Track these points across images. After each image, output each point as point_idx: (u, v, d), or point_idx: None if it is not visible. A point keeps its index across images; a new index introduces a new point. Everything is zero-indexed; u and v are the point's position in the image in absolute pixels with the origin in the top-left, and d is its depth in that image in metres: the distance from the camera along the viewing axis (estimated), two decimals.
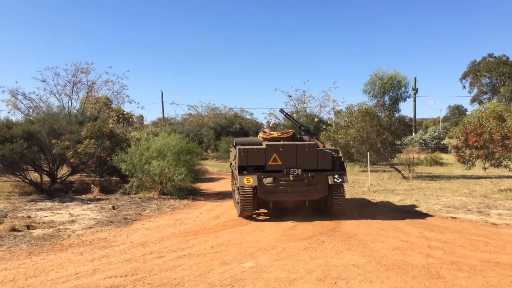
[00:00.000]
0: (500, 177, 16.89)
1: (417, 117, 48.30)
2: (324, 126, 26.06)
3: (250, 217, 9.27)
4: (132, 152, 13.10)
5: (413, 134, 42.86)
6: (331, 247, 6.53)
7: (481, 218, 8.90)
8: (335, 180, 8.99)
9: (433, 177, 17.50)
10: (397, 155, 19.72)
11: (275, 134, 10.21)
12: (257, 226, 8.40)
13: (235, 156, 9.57)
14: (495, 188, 13.36)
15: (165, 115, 48.40)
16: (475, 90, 71.43)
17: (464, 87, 73.23)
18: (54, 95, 25.38)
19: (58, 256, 6.31)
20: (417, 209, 10.16)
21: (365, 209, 10.32)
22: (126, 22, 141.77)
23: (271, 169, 8.94)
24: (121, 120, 46.48)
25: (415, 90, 46.35)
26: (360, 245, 6.65)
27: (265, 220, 9.01)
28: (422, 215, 9.35)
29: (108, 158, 13.82)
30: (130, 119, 54.16)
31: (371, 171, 20.91)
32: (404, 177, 16.93)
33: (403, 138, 17.97)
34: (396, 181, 16.43)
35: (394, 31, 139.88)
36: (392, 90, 16.28)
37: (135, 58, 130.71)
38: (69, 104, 25.72)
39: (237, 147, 9.27)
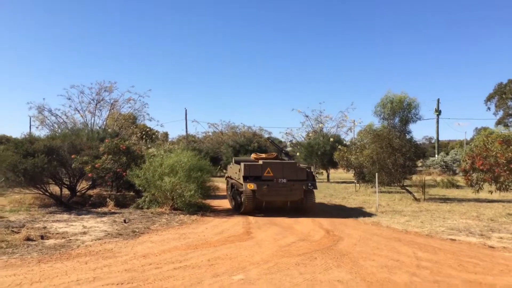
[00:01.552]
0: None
1: (444, 139, 47.89)
2: (339, 146, 26.25)
3: (251, 213, 13.00)
4: (146, 168, 13.63)
5: (436, 156, 42.41)
6: (321, 264, 6.78)
7: (480, 241, 8.97)
8: (309, 186, 13.22)
9: (445, 200, 17.43)
10: (410, 176, 19.72)
11: (263, 155, 15.33)
12: (256, 242, 8.70)
13: (239, 169, 13.66)
14: (504, 212, 13.30)
15: (182, 132, 49.31)
16: (501, 113, 70.24)
17: (489, 109, 72.09)
18: (78, 112, 26.44)
19: (64, 264, 6.75)
20: (419, 230, 10.26)
21: (367, 228, 10.47)
22: (149, 43, 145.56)
23: (265, 178, 12.96)
24: (144, 136, 47.63)
25: (438, 111, 46.01)
26: (350, 262, 6.88)
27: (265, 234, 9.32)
28: (422, 237, 9.47)
29: (124, 173, 14.38)
30: (153, 136, 55.38)
31: (383, 191, 21.02)
32: (416, 199, 16.93)
33: (417, 160, 17.95)
34: (407, 202, 16.45)
35: (417, 52, 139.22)
36: (401, 112, 16.43)
37: (158, 77, 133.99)
38: (92, 121, 26.66)
39: (242, 163, 13.31)
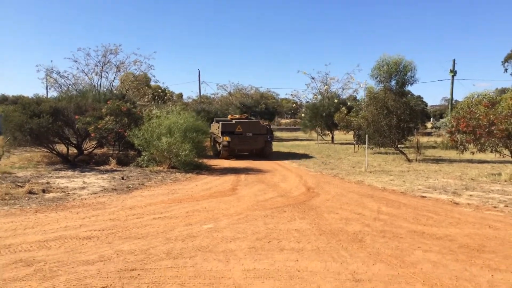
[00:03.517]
0: (508, 162, 17.04)
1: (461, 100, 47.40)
2: (342, 108, 26.58)
3: (227, 158, 18.82)
4: (145, 129, 14.32)
5: (449, 117, 42.29)
6: (288, 216, 7.45)
7: (450, 198, 9.50)
8: (268, 139, 19.41)
9: (438, 161, 17.87)
10: (408, 138, 20.10)
11: (237, 116, 21.59)
12: (238, 197, 9.41)
13: (218, 127, 19.32)
14: (488, 172, 13.74)
15: (192, 93, 49.93)
16: None
17: (506, 70, 70.50)
18: (86, 74, 27.05)
19: (58, 214, 7.55)
20: (397, 188, 10.83)
21: (348, 186, 11.08)
22: (156, 5, 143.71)
23: (237, 133, 18.81)
24: (156, 97, 48.27)
25: (454, 72, 45.38)
26: (315, 215, 7.53)
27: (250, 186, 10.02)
28: (396, 194, 10.04)
29: (125, 134, 15.11)
30: (165, 97, 56.03)
31: (380, 153, 21.51)
32: (408, 160, 17.40)
33: (413, 123, 18.29)
34: (399, 163, 16.95)
35: (432, 13, 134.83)
36: (398, 74, 16.63)
37: (168, 39, 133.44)
38: (99, 82, 27.31)
39: (220, 122, 19.29)
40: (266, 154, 19.46)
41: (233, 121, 19.23)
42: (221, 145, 18.75)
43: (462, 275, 4.63)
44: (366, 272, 4.70)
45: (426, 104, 76.68)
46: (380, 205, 8.49)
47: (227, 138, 18.20)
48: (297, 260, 5.05)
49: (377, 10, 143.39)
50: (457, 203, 8.85)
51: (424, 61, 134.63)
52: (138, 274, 4.58)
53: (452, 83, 44.70)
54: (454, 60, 44.85)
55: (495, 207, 8.45)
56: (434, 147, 24.52)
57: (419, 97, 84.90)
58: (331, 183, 11.78)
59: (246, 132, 18.81)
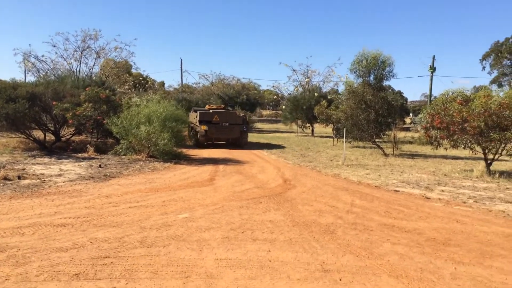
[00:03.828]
0: (480, 158, 17.50)
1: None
2: (324, 101, 26.82)
3: (203, 146, 19.60)
4: (124, 117, 14.23)
5: (424, 113, 42.99)
6: (263, 207, 7.57)
7: (422, 192, 9.76)
8: (243, 129, 20.39)
9: (414, 156, 18.25)
10: (386, 133, 20.45)
11: (215, 107, 22.04)
12: (215, 187, 9.49)
13: (196, 116, 20.08)
14: (460, 168, 14.12)
15: (173, 82, 49.38)
16: (496, 72, 70.06)
17: (484, 68, 71.85)
18: (65, 59, 26.60)
19: (32, 201, 7.51)
20: (372, 182, 11.05)
21: (324, 179, 11.26)
22: None
23: (214, 122, 19.58)
24: (136, 85, 47.71)
25: (433, 69, 46.05)
26: (289, 207, 7.67)
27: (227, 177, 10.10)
28: (371, 187, 10.26)
29: (104, 121, 14.99)
30: (147, 85, 55.45)
31: (358, 146, 21.83)
32: (385, 154, 17.71)
33: (391, 118, 18.60)
34: (376, 157, 17.26)
35: (415, 9, 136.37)
36: (376, 69, 16.87)
37: (150, 27, 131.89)
38: (78, 68, 26.89)
39: (198, 111, 20.08)
40: (242, 143, 20.50)
41: (211, 111, 20.09)
42: (198, 134, 19.47)
43: (427, 267, 4.81)
44: (335, 263, 4.85)
45: (406, 100, 77.69)
46: (354, 198, 8.68)
47: (204, 127, 19.06)
48: (269, 251, 5.17)
49: (359, 3, 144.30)
50: (428, 198, 9.11)
51: (405, 57, 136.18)
52: (111, 262, 4.63)
53: (431, 79, 45.48)
54: (433, 57, 45.57)
55: (464, 202, 8.72)
56: (411, 143, 24.99)
57: (399, 92, 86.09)
58: (308, 175, 11.94)
59: (223, 121, 19.70)
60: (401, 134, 26.20)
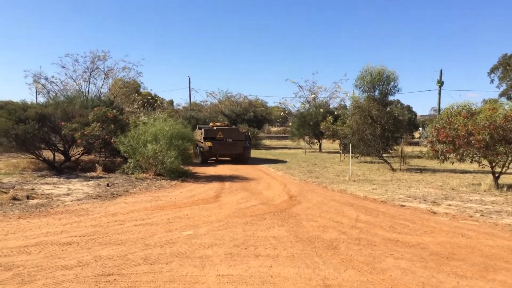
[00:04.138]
0: (488, 172, 17.36)
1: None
2: (328, 118, 26.90)
3: (206, 163, 20.37)
4: (131, 136, 14.41)
5: (429, 127, 42.81)
6: (267, 223, 7.59)
7: (428, 207, 9.72)
8: (246, 145, 21.01)
9: (422, 170, 18.15)
10: (394, 147, 20.39)
11: (218, 124, 22.64)
12: (220, 204, 9.54)
13: (200, 133, 20.79)
14: (468, 182, 14.03)
15: (181, 100, 49.90)
16: (504, 85, 69.76)
17: (492, 81, 71.61)
18: (74, 80, 27.07)
19: (40, 220, 7.62)
20: (378, 197, 11.03)
21: (330, 195, 11.26)
22: (145, 13, 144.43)
23: (218, 139, 20.40)
24: (145, 104, 48.23)
25: (441, 83, 46.05)
26: (294, 222, 7.68)
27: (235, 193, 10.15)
28: (377, 203, 10.24)
29: (112, 141, 15.17)
30: (155, 104, 56.07)
31: (366, 162, 21.78)
32: (392, 169, 17.66)
33: (398, 132, 18.59)
34: (383, 172, 17.21)
35: (418, 21, 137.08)
36: (381, 84, 16.95)
37: (158, 46, 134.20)
38: (87, 89, 27.34)
39: (202, 129, 20.89)
40: (245, 158, 21.24)
41: (215, 128, 20.94)
42: (203, 150, 20.18)
43: (429, 281, 4.80)
44: (337, 278, 4.86)
45: (415, 114, 77.44)
46: (359, 214, 8.67)
47: (209, 144, 19.89)
48: (271, 266, 5.19)
49: (366, 19, 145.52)
50: (434, 212, 9.06)
51: (413, 71, 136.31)
52: (115, 279, 4.68)
53: (439, 93, 45.40)
54: (441, 71, 45.59)
55: (471, 216, 8.67)
56: (419, 157, 24.86)
57: (408, 107, 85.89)
58: (314, 191, 11.95)
59: (227, 138, 20.56)
60: (408, 149, 26.08)
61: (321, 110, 30.54)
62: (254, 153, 28.91)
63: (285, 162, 22.61)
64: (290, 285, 4.61)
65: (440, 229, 7.40)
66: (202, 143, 20.20)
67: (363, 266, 5.26)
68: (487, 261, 5.58)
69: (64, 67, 26.91)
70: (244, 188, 12.23)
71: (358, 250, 6.00)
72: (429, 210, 9.30)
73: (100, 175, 14.50)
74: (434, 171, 17.92)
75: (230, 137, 20.73)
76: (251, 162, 21.89)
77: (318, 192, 11.86)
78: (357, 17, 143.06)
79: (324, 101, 34.21)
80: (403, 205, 9.89)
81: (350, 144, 15.37)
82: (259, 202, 9.87)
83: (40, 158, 15.89)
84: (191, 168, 16.51)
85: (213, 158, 21.20)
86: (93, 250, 5.77)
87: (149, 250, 5.81)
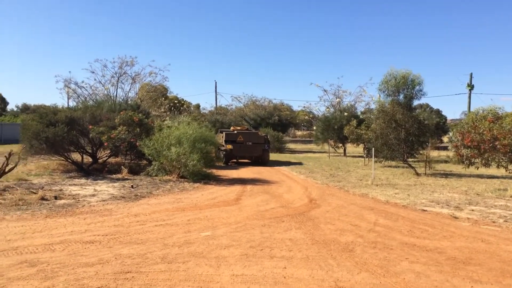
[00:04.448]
0: None
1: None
2: (351, 121, 26.76)
3: (227, 164, 21.55)
4: (155, 139, 14.73)
5: (454, 132, 41.95)
6: (285, 226, 7.67)
7: (451, 212, 9.58)
8: (265, 147, 22.21)
9: (448, 175, 17.84)
10: (420, 152, 20.10)
11: (239, 128, 24.09)
12: (240, 207, 9.67)
13: (222, 136, 21.86)
14: (495, 187, 13.71)
15: (206, 104, 50.55)
16: None
17: None
18: (103, 85, 27.82)
19: (66, 219, 7.92)
20: (399, 201, 10.93)
21: (350, 199, 11.23)
22: (170, 20, 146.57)
23: (238, 142, 21.56)
24: (172, 108, 49.01)
25: (471, 86, 45.10)
26: (311, 225, 7.73)
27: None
28: (398, 207, 10.16)
29: (137, 144, 15.55)
30: (182, 108, 56.91)
31: (390, 166, 21.54)
32: (417, 174, 17.42)
33: (424, 136, 18.33)
34: (407, 176, 17.00)
35: (446, 24, 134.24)
36: (406, 88, 16.77)
37: (185, 50, 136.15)
38: (115, 93, 28.05)
39: (224, 132, 22.21)
40: (264, 160, 22.33)
41: (235, 132, 22.29)
42: (224, 152, 21.12)
43: (443, 285, 4.79)
44: (349, 280, 4.90)
45: (445, 118, 75.96)
46: (378, 218, 8.64)
47: (229, 146, 21.07)
48: (285, 267, 5.27)
49: (393, 22, 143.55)
50: (456, 217, 8.94)
51: (444, 74, 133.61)
52: (133, 276, 4.86)
53: (469, 97, 44.39)
54: (471, 74, 44.59)
55: (494, 222, 8.52)
56: (446, 162, 24.37)
57: (438, 110, 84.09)
58: (335, 195, 11.94)
59: (246, 141, 21.74)
60: (434, 153, 25.62)
61: (346, 114, 30.34)
62: (278, 157, 29.02)
63: (308, 166, 22.59)
64: (302, 286, 4.68)
65: (460, 234, 7.32)
66: (224, 146, 21.25)
67: (377, 269, 5.28)
68: (505, 266, 5.50)
69: (93, 72, 27.75)
70: (265, 191, 12.32)
71: (373, 253, 6.01)
72: (451, 215, 9.17)
73: (126, 177, 14.87)
74: (460, 176, 17.58)
75: (250, 140, 21.87)
76: (274, 165, 22.00)
77: (339, 196, 11.84)
78: (384, 21, 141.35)
79: (349, 105, 34.03)
80: (424, 210, 9.79)
81: (373, 148, 15.26)
82: (278, 205, 9.95)
83: (69, 160, 16.41)
84: (214, 171, 16.73)
85: (233, 160, 22.28)
86: (114, 248, 5.98)
87: (167, 249, 5.98)
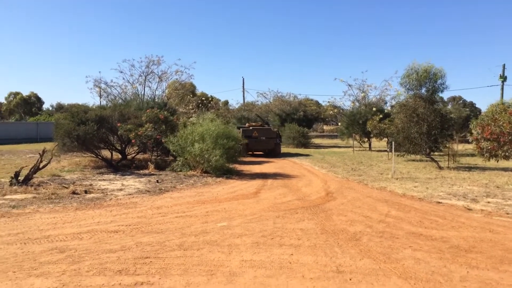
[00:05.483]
0: None
1: None
2: (377, 116, 26.73)
3: (246, 155, 22.73)
4: (180, 135, 15.30)
5: (474, 124, 41.09)
6: (298, 217, 8.02)
7: (466, 204, 9.69)
8: (277, 141, 25.43)
9: (471, 168, 17.70)
10: (445, 145, 19.96)
11: (254, 124, 26.88)
12: (258, 200, 10.07)
13: (239, 132, 22.04)
14: None
15: (233, 101, 51.05)
16: None
17: None
18: (131, 84, 28.69)
19: (94, 211, 8.51)
20: (416, 194, 11.08)
21: (367, 192, 11.45)
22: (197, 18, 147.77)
23: (253, 137, 24.14)
24: (199, 105, 49.85)
25: (504, 78, 44.03)
26: (324, 217, 8.05)
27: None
28: (413, 200, 10.33)
29: (163, 140, 16.16)
30: (209, 104, 57.74)
31: (413, 160, 21.47)
32: (439, 167, 17.37)
33: (448, 130, 18.23)
34: (429, 170, 16.98)
35: (483, 15, 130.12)
36: (428, 82, 16.73)
37: (211, 47, 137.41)
38: (143, 92, 28.88)
39: (240, 128, 24.21)
40: (276, 153, 25.34)
41: (250, 128, 25.08)
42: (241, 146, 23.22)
43: (440, 270, 5.05)
44: (351, 265, 5.22)
45: (479, 111, 74.15)
46: (391, 209, 8.87)
47: (246, 141, 22.37)
48: (292, 254, 5.64)
49: (421, 15, 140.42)
50: (470, 209, 9.06)
51: (477, 66, 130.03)
52: (150, 261, 5.33)
53: (502, 88, 43.30)
54: (504, 65, 43.47)
55: (507, 213, 8.61)
56: (473, 155, 24.07)
57: (471, 103, 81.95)
58: (352, 188, 12.17)
59: (260, 136, 24.50)
60: (460, 147, 25.32)
61: (374, 108, 30.24)
62: (303, 151, 29.30)
63: (331, 160, 22.77)
64: (305, 270, 5.04)
65: (469, 224, 7.49)
66: (241, 140, 22.92)
67: (379, 256, 5.58)
68: (506, 254, 5.70)
69: (121, 72, 28.66)
70: (285, 185, 12.67)
71: (379, 242, 6.30)
72: (465, 207, 9.29)
73: (152, 172, 15.51)
74: (484, 169, 17.42)
75: (263, 135, 24.65)
76: (297, 160, 22.29)
77: (356, 189, 12.07)
78: (414, 13, 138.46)
79: (374, 99, 33.87)
80: (439, 202, 9.93)
81: (393, 142, 15.35)
82: (295, 198, 10.29)
83: (99, 156, 17.20)
84: (237, 166, 17.19)
85: (249, 152, 24.79)
86: (135, 237, 6.49)
87: (184, 238, 6.44)
